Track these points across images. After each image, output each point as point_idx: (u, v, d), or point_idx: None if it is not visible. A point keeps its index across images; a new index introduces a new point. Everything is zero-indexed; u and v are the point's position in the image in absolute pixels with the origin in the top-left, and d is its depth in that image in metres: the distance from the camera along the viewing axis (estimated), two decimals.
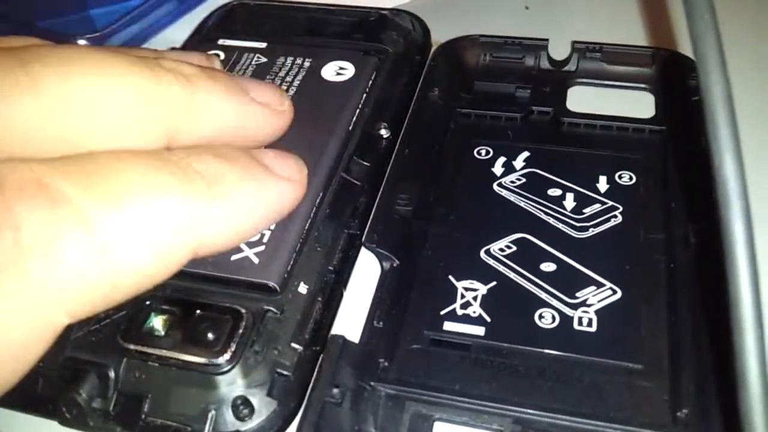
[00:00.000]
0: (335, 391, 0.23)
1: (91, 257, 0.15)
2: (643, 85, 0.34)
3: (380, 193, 0.29)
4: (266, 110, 0.22)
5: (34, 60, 0.16)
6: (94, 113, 0.17)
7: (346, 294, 0.27)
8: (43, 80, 0.16)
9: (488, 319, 0.25)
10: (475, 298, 0.26)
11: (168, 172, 0.17)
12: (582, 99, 0.33)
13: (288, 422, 0.23)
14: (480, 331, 0.25)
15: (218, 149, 0.19)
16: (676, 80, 0.33)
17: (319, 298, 0.26)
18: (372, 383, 0.24)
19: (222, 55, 0.35)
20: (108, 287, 0.15)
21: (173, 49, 0.36)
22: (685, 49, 0.34)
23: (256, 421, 0.23)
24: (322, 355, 0.24)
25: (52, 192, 0.14)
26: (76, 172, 0.15)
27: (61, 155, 0.16)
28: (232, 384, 0.23)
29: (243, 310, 0.24)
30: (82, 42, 0.36)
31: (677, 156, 0.30)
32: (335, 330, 0.25)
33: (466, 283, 0.26)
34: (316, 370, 0.24)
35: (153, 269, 0.16)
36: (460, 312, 0.26)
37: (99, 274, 0.15)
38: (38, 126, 0.16)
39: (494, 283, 0.26)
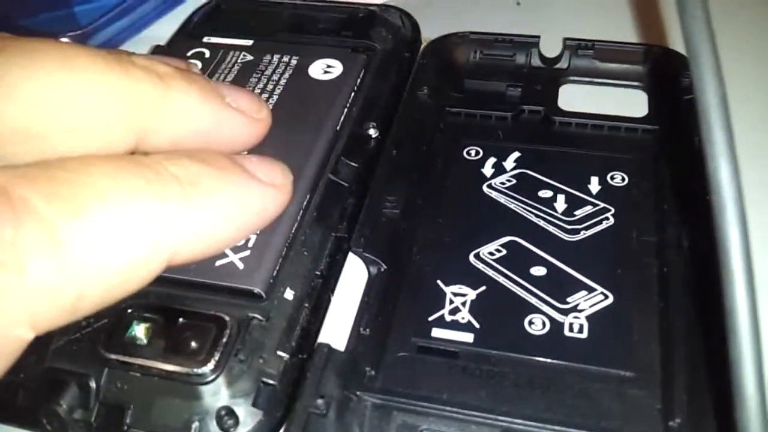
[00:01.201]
0: (320, 401, 0.22)
1: (56, 269, 0.14)
2: (635, 83, 0.33)
3: (367, 195, 0.29)
4: (242, 116, 0.21)
5: None
6: (59, 109, 0.16)
7: (332, 300, 0.26)
8: (7, 75, 0.16)
9: (477, 326, 0.25)
10: (464, 304, 0.25)
11: (139, 175, 0.16)
12: (574, 97, 0.33)
13: None
14: (468, 337, 0.24)
15: (195, 152, 0.19)
16: (669, 78, 0.32)
17: (306, 304, 0.25)
18: (358, 393, 0.23)
19: (207, 53, 0.34)
20: (74, 299, 0.15)
21: (157, 47, 0.35)
22: (679, 45, 0.33)
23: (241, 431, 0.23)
24: (306, 365, 0.24)
25: (15, 201, 0.14)
26: (41, 178, 0.15)
27: (24, 158, 0.15)
28: (216, 394, 0.23)
29: (227, 318, 0.24)
30: (65, 40, 0.36)
31: (670, 156, 0.30)
32: (321, 338, 0.25)
33: (455, 288, 0.26)
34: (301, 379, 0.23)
35: (123, 279, 0.16)
36: (448, 318, 0.25)
37: (65, 286, 0.14)
38: (1, 123, 0.16)
39: (483, 287, 0.26)
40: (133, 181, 0.16)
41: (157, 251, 0.16)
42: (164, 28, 0.38)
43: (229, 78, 0.33)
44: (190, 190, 0.17)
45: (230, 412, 0.22)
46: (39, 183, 0.14)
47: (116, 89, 0.17)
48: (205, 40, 0.35)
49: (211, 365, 0.23)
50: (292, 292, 0.25)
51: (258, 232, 0.26)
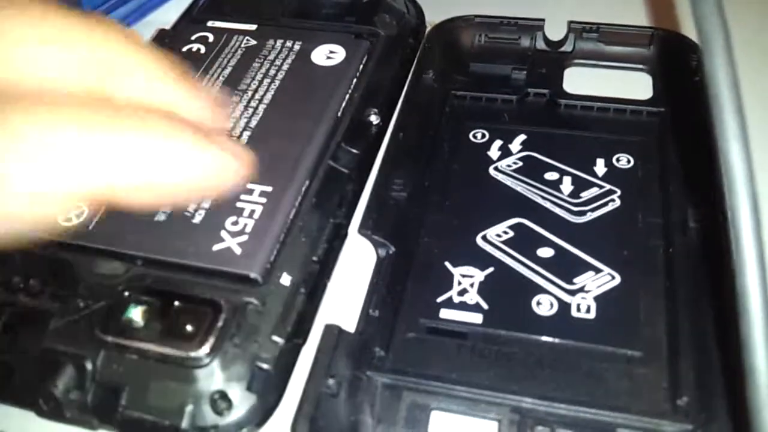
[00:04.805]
0: (331, 381, 0.22)
1: None
2: (641, 66, 0.33)
3: (375, 178, 0.28)
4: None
5: None
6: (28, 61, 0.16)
7: (340, 282, 0.26)
8: None
9: (485, 306, 0.24)
10: (471, 285, 0.25)
11: (68, 111, 0.15)
12: (579, 80, 0.33)
13: (267, 416, 0.22)
14: (477, 318, 0.24)
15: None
16: (674, 61, 0.32)
17: (303, 290, 0.25)
18: (368, 373, 0.23)
19: (211, 37, 0.34)
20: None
21: (161, 30, 0.35)
22: (684, 28, 0.33)
23: (234, 415, 0.22)
24: (317, 346, 0.23)
25: None
26: None
27: None
28: (210, 378, 0.22)
29: (223, 302, 0.23)
30: None
31: (676, 138, 0.29)
32: (330, 319, 0.24)
33: (463, 270, 0.26)
34: (312, 361, 0.23)
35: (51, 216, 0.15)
36: (456, 299, 0.25)
37: None
38: None
39: (491, 269, 0.26)
40: (61, 115, 0.15)
41: (79, 184, 0.15)
42: (169, 13, 0.38)
43: (233, 62, 0.33)
44: (120, 120, 0.16)
45: (224, 396, 0.22)
46: None
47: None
48: (209, 24, 0.35)
49: (206, 349, 0.22)
50: (289, 278, 0.25)
51: (257, 216, 0.25)
